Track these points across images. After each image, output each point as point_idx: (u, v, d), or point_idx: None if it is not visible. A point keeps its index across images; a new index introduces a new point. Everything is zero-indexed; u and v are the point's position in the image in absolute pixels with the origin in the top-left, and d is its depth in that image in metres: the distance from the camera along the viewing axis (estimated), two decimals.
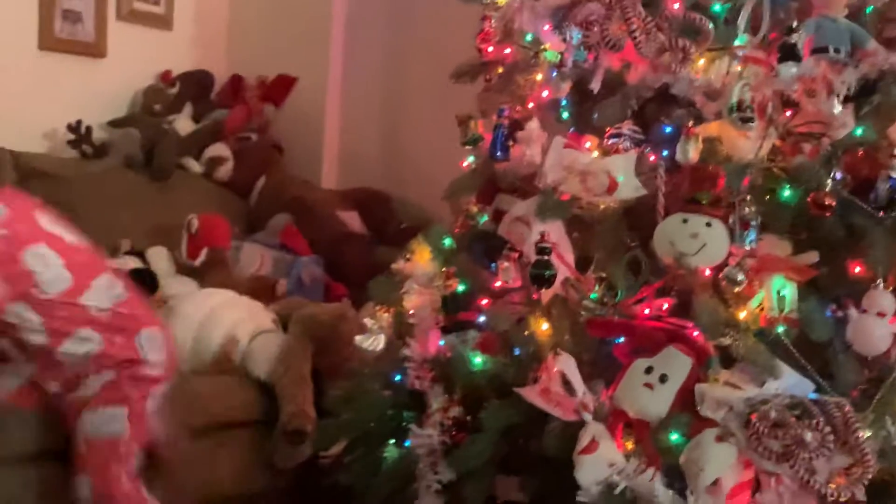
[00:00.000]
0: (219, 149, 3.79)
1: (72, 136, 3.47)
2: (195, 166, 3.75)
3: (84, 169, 3.42)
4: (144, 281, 3.12)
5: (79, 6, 3.57)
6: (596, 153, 2.28)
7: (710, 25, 2.20)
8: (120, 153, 3.52)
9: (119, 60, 3.73)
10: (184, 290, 3.13)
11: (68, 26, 3.56)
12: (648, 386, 2.02)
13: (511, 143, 2.38)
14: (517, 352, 2.21)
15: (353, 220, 3.73)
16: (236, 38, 4.17)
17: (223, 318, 2.86)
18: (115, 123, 3.62)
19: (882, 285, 2.09)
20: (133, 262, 3.17)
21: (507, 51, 2.47)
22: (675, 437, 1.98)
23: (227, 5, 4.17)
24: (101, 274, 2.24)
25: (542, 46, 2.36)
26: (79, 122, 3.48)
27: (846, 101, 2.15)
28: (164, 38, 3.92)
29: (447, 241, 2.47)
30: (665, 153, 2.23)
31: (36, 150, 3.39)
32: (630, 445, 2.00)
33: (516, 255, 2.28)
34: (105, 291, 2.22)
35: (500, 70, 2.50)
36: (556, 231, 2.21)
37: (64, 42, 3.55)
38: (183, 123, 3.79)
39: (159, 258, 3.24)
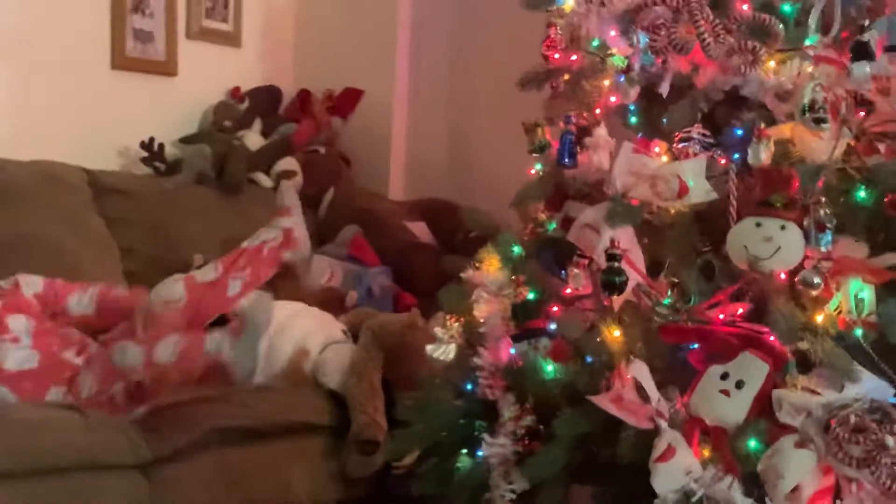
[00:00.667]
0: (288, 162, 3.83)
1: (145, 154, 3.54)
2: (265, 180, 3.80)
3: (157, 185, 3.48)
4: None
5: (150, 26, 3.65)
6: (665, 158, 2.25)
7: (780, 26, 2.16)
8: (192, 169, 3.58)
9: (189, 78, 3.79)
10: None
11: (140, 46, 3.63)
12: (725, 392, 1.99)
13: (579, 149, 2.36)
14: (589, 359, 2.19)
15: (420, 230, 3.74)
16: (303, 53, 4.21)
17: (294, 330, 2.89)
18: (186, 140, 3.68)
19: None
20: None
21: (574, 57, 2.46)
22: (753, 443, 1.94)
23: (294, 22, 4.22)
24: None
25: (609, 52, 2.35)
26: (151, 140, 3.54)
27: None
28: (232, 56, 3.98)
29: (516, 249, 2.46)
30: (736, 156, 2.19)
31: (110, 168, 3.46)
32: (707, 453, 1.96)
33: (586, 261, 2.27)
34: None
35: (567, 77, 2.49)
36: (626, 237, 2.19)
37: (136, 61, 3.63)
38: (252, 138, 3.84)
39: None
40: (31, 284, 2.61)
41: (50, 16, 3.37)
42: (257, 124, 3.94)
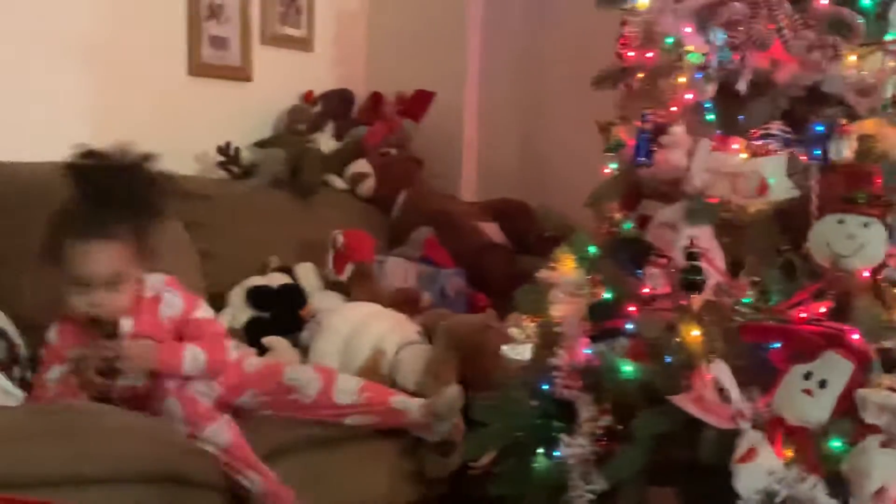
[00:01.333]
0: (361, 165, 3.85)
1: (221, 158, 3.59)
2: (338, 183, 3.83)
3: (233, 189, 3.53)
4: (293, 296, 3.21)
5: (225, 32, 3.70)
6: (744, 155, 2.23)
7: (860, 20, 2.13)
8: (267, 173, 3.62)
9: (264, 83, 3.84)
10: (331, 304, 3.19)
11: (215, 52, 3.68)
12: (807, 392, 1.96)
13: (655, 147, 2.35)
14: (668, 359, 2.17)
15: (493, 231, 3.74)
16: (375, 56, 4.24)
17: (370, 331, 2.91)
18: (261, 144, 3.73)
19: None
20: (282, 279, 3.25)
21: (649, 55, 2.45)
22: (837, 443, 1.91)
23: (366, 26, 4.25)
24: None
25: (685, 49, 2.33)
26: (227, 144, 3.59)
27: None
28: (306, 60, 4.02)
29: (592, 249, 2.45)
30: (817, 152, 2.17)
31: (187, 173, 3.51)
32: (790, 453, 1.94)
33: (664, 260, 2.25)
34: None
35: (642, 75, 2.47)
36: (705, 235, 2.17)
37: (212, 67, 3.67)
38: (326, 141, 3.87)
39: (307, 274, 3.31)
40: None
41: (128, 24, 3.43)
42: (330, 127, 3.97)
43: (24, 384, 2.46)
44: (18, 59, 3.15)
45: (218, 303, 3.16)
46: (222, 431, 2.33)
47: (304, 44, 4.03)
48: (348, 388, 2.57)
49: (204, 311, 2.51)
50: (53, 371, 2.36)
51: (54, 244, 2.29)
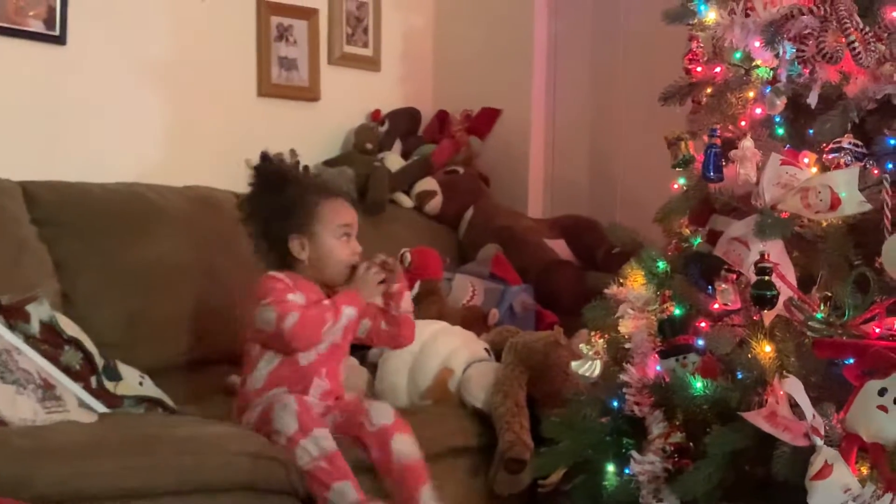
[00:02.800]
0: (428, 183, 3.88)
1: None
2: (406, 201, 3.86)
3: None
4: None
5: (293, 53, 3.76)
6: (815, 169, 2.21)
7: None
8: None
9: (332, 102, 3.89)
10: None
11: (284, 73, 3.74)
12: (882, 408, 1.94)
13: (724, 162, 2.33)
14: (740, 375, 2.16)
15: (560, 247, 3.74)
16: (441, 74, 4.27)
17: (438, 348, 2.92)
18: (329, 163, 3.77)
19: None
20: None
21: (717, 69, 2.44)
22: None
23: (432, 44, 4.28)
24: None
25: (754, 63, 2.32)
26: (297, 164, 3.63)
27: None
28: (372, 79, 4.07)
29: (661, 265, 2.44)
30: (889, 166, 2.14)
31: None
32: (865, 470, 1.91)
33: (735, 276, 2.24)
34: None
35: (710, 90, 2.46)
36: (776, 250, 2.15)
37: (281, 88, 3.74)
38: (393, 160, 3.91)
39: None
40: None
41: (199, 47, 3.50)
42: (397, 146, 4.01)
43: (102, 392, 2.53)
44: (93, 80, 3.24)
45: None
46: (328, 438, 2.37)
47: (371, 63, 4.07)
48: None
49: None
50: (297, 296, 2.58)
51: (302, 208, 2.67)
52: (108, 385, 2.57)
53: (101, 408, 2.49)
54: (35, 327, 2.47)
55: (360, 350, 3.09)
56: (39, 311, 2.51)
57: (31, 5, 3.07)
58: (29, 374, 2.33)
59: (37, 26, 3.09)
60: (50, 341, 2.49)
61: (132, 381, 2.64)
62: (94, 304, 2.84)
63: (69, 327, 2.57)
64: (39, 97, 3.12)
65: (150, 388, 2.67)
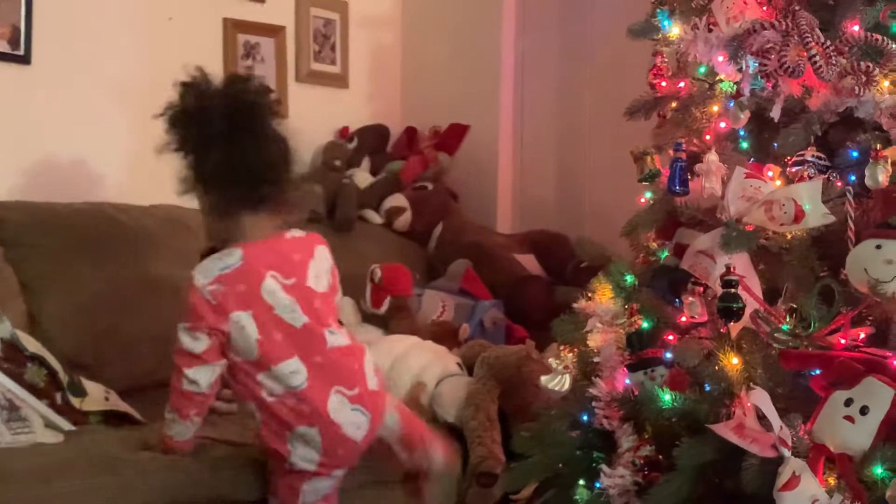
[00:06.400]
0: (397, 199, 3.89)
1: None
2: (375, 217, 3.87)
3: None
4: None
5: (261, 71, 3.76)
6: (779, 182, 2.23)
7: (893, 46, 2.13)
8: (304, 208, 3.65)
9: (300, 119, 3.84)
10: (370, 337, 3.21)
11: None
12: (849, 419, 1.95)
13: (690, 176, 2.35)
14: (707, 387, 2.17)
15: (529, 262, 3.75)
16: (409, 91, 4.28)
17: (410, 363, 2.93)
18: (298, 180, 3.76)
19: None
20: None
21: (681, 84, 2.45)
22: (879, 470, 1.89)
23: (400, 61, 4.30)
24: (289, 359, 2.35)
25: (718, 77, 2.33)
26: None
27: None
28: (341, 96, 4.08)
29: (629, 278, 2.45)
30: (852, 178, 2.16)
31: None
32: (832, 480, 1.92)
33: (701, 289, 2.25)
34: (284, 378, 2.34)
35: (675, 104, 2.48)
36: (741, 263, 2.16)
37: None
38: (362, 177, 3.92)
39: (346, 308, 3.34)
40: None
41: (165, 65, 3.46)
42: (366, 162, 4.02)
43: (67, 409, 2.51)
44: (59, 100, 3.22)
45: None
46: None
47: (339, 80, 4.08)
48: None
49: None
50: None
51: None
52: (74, 401, 2.56)
53: (66, 425, 2.47)
54: None
55: None
56: (1, 329, 2.48)
57: None
58: None
59: (1, 46, 3.08)
60: (12, 359, 2.47)
61: (98, 396, 2.63)
62: (61, 324, 2.82)
63: (31, 344, 2.56)
64: (4, 117, 3.11)
65: (116, 403, 2.66)
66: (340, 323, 2.56)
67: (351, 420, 2.38)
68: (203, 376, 2.34)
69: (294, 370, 2.35)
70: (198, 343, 2.33)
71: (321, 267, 2.52)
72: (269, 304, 2.36)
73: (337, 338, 2.45)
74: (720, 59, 2.26)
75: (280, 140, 2.49)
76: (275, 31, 3.82)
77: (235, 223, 2.42)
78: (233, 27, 3.68)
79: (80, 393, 2.58)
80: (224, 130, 2.38)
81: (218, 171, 2.38)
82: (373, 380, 2.48)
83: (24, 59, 3.13)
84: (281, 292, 2.37)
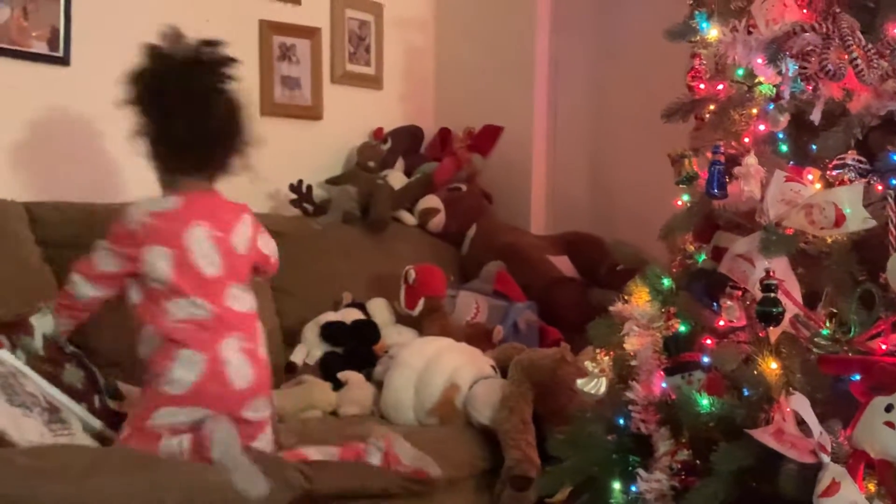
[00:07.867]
0: (430, 200, 3.89)
1: (294, 196, 3.64)
2: (409, 218, 3.87)
3: (306, 226, 3.58)
4: (367, 332, 3.24)
5: (296, 72, 3.78)
6: (819, 185, 2.21)
7: None
8: (338, 209, 3.67)
9: (334, 121, 3.90)
10: (403, 339, 3.22)
11: (287, 92, 3.76)
12: (889, 425, 1.93)
13: (728, 179, 2.34)
14: (746, 392, 2.15)
15: (563, 264, 3.74)
16: (443, 92, 4.29)
17: (444, 365, 2.93)
18: (332, 181, 3.79)
19: None
20: (355, 314, 3.29)
21: (720, 87, 2.44)
22: None
23: (434, 62, 4.30)
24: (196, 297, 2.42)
25: (757, 80, 2.32)
26: (300, 182, 3.65)
27: None
28: (375, 97, 4.09)
29: (665, 282, 2.44)
30: (893, 182, 2.14)
31: (261, 210, 3.56)
32: (872, 487, 1.91)
33: (740, 292, 2.23)
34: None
35: (713, 106, 2.47)
36: (781, 267, 2.15)
37: (284, 107, 3.76)
38: (395, 177, 3.92)
39: (379, 309, 3.35)
40: None
41: None
42: (400, 163, 4.02)
43: (105, 412, 2.53)
44: (97, 101, 3.23)
45: (292, 339, 3.21)
46: None
47: (374, 82, 4.09)
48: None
49: None
50: None
51: None
52: (112, 404, 2.57)
53: (102, 427, 2.48)
54: (39, 342, 2.47)
55: (365, 367, 3.10)
56: (43, 324, 2.51)
57: (35, 26, 3.08)
58: (35, 396, 2.32)
59: (40, 47, 3.10)
60: (52, 358, 2.49)
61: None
62: (96, 323, 2.83)
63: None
64: (43, 118, 3.13)
65: None
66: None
67: (238, 364, 2.42)
68: (83, 289, 2.48)
69: (200, 305, 2.41)
70: (105, 263, 2.47)
71: (244, 233, 2.59)
72: (191, 249, 2.43)
73: (239, 301, 2.50)
74: (759, 61, 2.25)
75: (231, 107, 2.57)
76: (310, 33, 3.84)
77: (178, 178, 2.53)
78: (269, 29, 3.69)
79: (117, 396, 2.60)
80: (175, 95, 2.47)
81: (167, 132, 2.49)
82: (264, 349, 2.53)
83: (63, 61, 3.15)
84: (206, 241, 2.46)
